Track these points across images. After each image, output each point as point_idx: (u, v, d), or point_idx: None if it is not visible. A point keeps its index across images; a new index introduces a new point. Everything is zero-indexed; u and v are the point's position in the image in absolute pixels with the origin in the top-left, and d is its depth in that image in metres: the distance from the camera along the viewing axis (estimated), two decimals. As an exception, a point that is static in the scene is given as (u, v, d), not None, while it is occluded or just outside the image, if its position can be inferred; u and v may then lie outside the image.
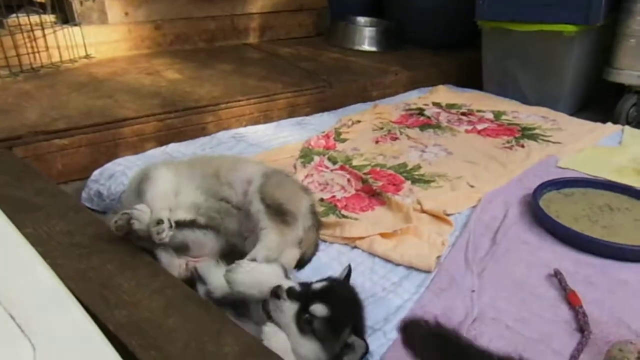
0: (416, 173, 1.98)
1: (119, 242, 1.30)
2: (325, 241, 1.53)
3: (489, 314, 1.26)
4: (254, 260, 1.24)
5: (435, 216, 1.67)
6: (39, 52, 2.40)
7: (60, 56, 2.50)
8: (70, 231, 1.30)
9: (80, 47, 2.56)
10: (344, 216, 1.66)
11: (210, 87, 2.41)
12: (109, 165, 1.85)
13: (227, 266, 1.15)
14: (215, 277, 1.19)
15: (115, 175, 1.81)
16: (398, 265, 1.45)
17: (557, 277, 1.38)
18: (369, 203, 1.76)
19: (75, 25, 2.53)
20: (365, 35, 3.40)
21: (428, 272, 1.42)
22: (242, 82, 2.51)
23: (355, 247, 1.51)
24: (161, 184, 1.44)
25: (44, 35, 2.40)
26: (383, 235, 1.54)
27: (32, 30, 2.34)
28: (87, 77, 2.39)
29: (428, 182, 1.92)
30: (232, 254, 1.25)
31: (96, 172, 1.83)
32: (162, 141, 2.09)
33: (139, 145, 2.04)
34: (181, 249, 1.29)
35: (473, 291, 1.34)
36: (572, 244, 1.54)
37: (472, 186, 1.90)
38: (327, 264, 1.44)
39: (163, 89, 2.33)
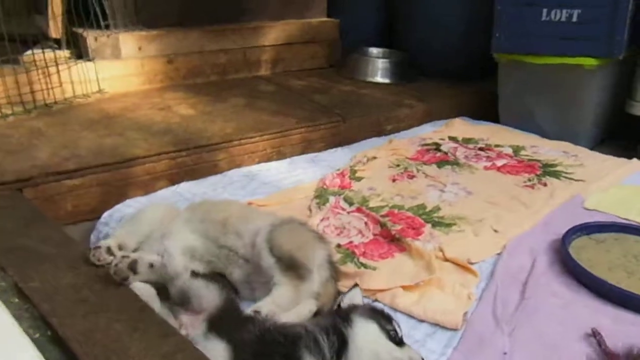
0: (436, 215, 1.91)
1: (128, 298, 1.24)
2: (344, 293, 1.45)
3: (524, 381, 1.17)
4: (257, 312, 1.18)
5: (458, 265, 1.59)
6: (52, 88, 2.37)
7: (74, 91, 2.48)
8: (77, 285, 1.24)
9: (94, 82, 2.54)
10: (362, 264, 1.59)
11: (223, 122, 2.36)
12: (118, 207, 1.80)
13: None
14: None
15: (124, 217, 1.74)
16: (422, 321, 1.36)
17: (597, 338, 1.29)
18: (388, 249, 1.68)
19: (89, 60, 2.51)
20: (378, 67, 3.36)
21: (455, 330, 1.33)
22: (254, 117, 2.46)
23: (375, 300, 1.43)
24: (137, 219, 1.47)
25: (58, 72, 2.38)
26: (405, 287, 1.45)
27: (47, 67, 2.32)
28: (99, 114, 2.35)
29: (449, 225, 1.84)
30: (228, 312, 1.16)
31: (105, 215, 1.77)
32: (174, 179, 2.04)
33: (150, 184, 1.99)
34: (180, 301, 1.21)
35: (505, 354, 1.25)
36: (609, 299, 1.44)
37: (495, 231, 1.81)
38: (347, 319, 1.35)
39: (175, 125, 2.28)
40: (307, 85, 3.08)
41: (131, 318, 1.16)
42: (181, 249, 1.39)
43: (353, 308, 1.22)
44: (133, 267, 1.26)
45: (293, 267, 1.32)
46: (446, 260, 1.62)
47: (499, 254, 1.66)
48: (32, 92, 2.31)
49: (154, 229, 1.46)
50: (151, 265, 1.29)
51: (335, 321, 1.15)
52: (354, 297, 1.29)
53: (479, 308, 1.41)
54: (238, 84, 3.02)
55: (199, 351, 1.08)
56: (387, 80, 3.34)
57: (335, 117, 2.59)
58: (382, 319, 1.19)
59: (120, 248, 1.38)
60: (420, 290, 1.46)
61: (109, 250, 1.33)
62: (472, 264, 1.60)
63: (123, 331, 1.11)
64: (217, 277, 1.28)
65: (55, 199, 1.78)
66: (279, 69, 3.33)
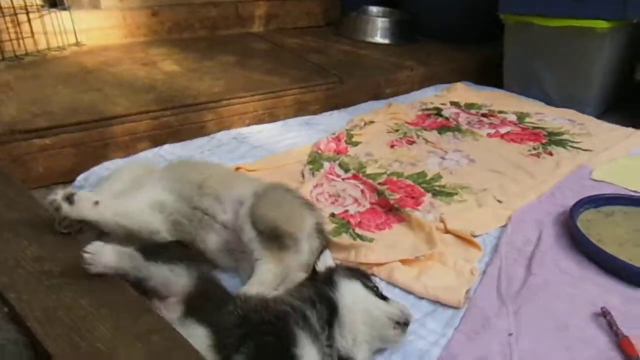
0: (437, 184, 1.79)
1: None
2: (337, 266, 1.34)
3: (531, 365, 1.08)
4: (245, 297, 1.06)
5: (461, 238, 1.48)
6: (23, 38, 2.19)
7: (48, 43, 2.30)
8: (41, 257, 1.11)
9: (70, 34, 2.35)
10: (358, 235, 1.47)
11: (211, 81, 2.20)
12: (95, 169, 1.65)
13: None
14: None
15: (101, 181, 1.61)
16: (421, 298, 1.26)
17: (607, 319, 1.19)
18: (385, 220, 1.57)
19: (64, 9, 2.31)
20: (378, 27, 3.18)
21: (456, 308, 1.23)
22: (245, 76, 2.31)
23: (372, 274, 1.32)
24: (111, 178, 1.37)
25: (29, 20, 2.19)
26: (404, 261, 1.34)
27: (16, 14, 2.13)
28: (76, 67, 2.18)
29: (450, 195, 1.72)
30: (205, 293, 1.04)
31: (80, 177, 1.63)
32: (157, 141, 1.89)
33: (131, 145, 1.85)
34: (147, 289, 1.06)
35: (510, 334, 1.15)
36: (620, 276, 1.34)
37: (499, 201, 1.70)
38: (340, 295, 1.24)
39: (159, 82, 2.12)
40: (303, 44, 2.91)
41: (100, 292, 1.04)
42: (149, 202, 1.25)
43: (331, 271, 1.14)
44: (70, 199, 1.11)
45: (276, 239, 1.20)
46: (447, 232, 1.51)
47: (503, 227, 1.56)
48: (0, 41, 2.12)
49: (128, 187, 1.33)
50: (96, 203, 1.14)
51: (318, 288, 1.07)
52: (327, 260, 1.20)
53: (482, 285, 1.31)
54: (229, 40, 2.84)
55: (176, 332, 0.97)
56: (387, 41, 3.17)
57: (332, 78, 2.44)
58: (362, 276, 1.14)
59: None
60: (420, 265, 1.35)
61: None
62: (475, 236, 1.50)
63: (90, 308, 0.99)
64: (182, 253, 1.14)
65: (25, 159, 1.64)
66: (272, 25, 3.14)
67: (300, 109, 2.30)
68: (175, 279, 1.03)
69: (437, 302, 1.24)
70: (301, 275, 1.22)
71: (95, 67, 2.20)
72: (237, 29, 3.00)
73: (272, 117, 2.21)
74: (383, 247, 1.39)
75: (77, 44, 2.39)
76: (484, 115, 2.40)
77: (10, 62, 2.15)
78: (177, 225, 1.26)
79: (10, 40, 2.17)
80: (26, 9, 2.16)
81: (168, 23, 2.73)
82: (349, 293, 1.07)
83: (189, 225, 1.27)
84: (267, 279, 1.16)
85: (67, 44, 2.35)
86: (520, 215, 1.61)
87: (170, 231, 1.25)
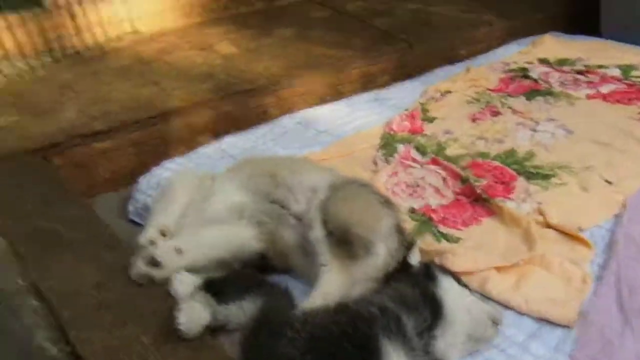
0: (530, 164, 1.56)
1: (158, 294, 1.04)
2: (421, 276, 1.18)
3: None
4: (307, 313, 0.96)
5: (565, 234, 1.27)
6: (80, 32, 2.14)
7: (106, 34, 2.24)
8: (100, 283, 1.05)
9: (126, 22, 2.28)
10: (442, 235, 1.30)
11: (270, 60, 2.06)
12: (155, 170, 1.58)
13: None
14: None
15: (162, 183, 1.53)
16: (522, 314, 1.08)
17: None
18: (473, 213, 1.38)
19: (117, -4, 2.24)
20: (449, -23, 2.86)
21: (568, 327, 1.04)
22: (305, 51, 2.15)
23: (462, 284, 1.15)
24: (168, 197, 1.29)
25: (84, 12, 2.12)
26: (499, 268, 1.16)
27: (70, 5, 2.07)
28: (133, 59, 2.12)
29: (547, 177, 1.49)
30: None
31: (142, 180, 1.57)
32: (217, 132, 1.80)
33: (191, 139, 1.77)
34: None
35: (640, 363, 0.95)
36: None
37: (609, 182, 1.45)
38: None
39: (217, 68, 2.01)
40: (366, 7, 2.68)
41: (161, 326, 0.96)
42: (227, 208, 1.22)
43: (428, 265, 1.06)
44: (155, 262, 1.07)
45: (346, 244, 1.08)
46: (549, 226, 1.30)
47: (616, 216, 1.33)
48: (59, 38, 2.08)
49: (189, 203, 1.24)
50: (179, 251, 1.09)
51: (421, 285, 0.96)
52: (417, 255, 1.11)
53: (598, 295, 1.10)
54: (286, 10, 2.67)
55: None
56: (459, -6, 2.84)
57: (400, 44, 2.24)
58: (448, 271, 1.06)
59: (164, 234, 1.17)
60: (518, 272, 1.16)
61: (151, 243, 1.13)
62: (581, 231, 1.28)
63: (151, 346, 0.91)
64: (246, 282, 1.03)
65: (87, 164, 1.60)
66: (332, -13, 2.91)
67: (368, 83, 2.11)
68: (246, 316, 0.93)
69: (542, 320, 1.06)
70: (371, 287, 1.08)
71: (152, 56, 2.13)
72: (295, -5, 2.80)
73: (337, 95, 2.04)
74: (471, 251, 1.22)
75: (134, 32, 2.32)
76: (579, 72, 2.09)
77: (72, 59, 2.11)
78: (261, 226, 1.20)
79: (69, 35, 2.12)
80: (80, 1, 2.10)
81: (223, -1, 2.59)
82: (451, 290, 0.98)
83: (271, 222, 1.20)
84: (331, 290, 1.03)
85: (124, 33, 2.29)
86: (637, 199, 1.36)
87: (257, 237, 1.19)
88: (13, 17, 1.99)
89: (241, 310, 0.94)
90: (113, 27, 2.27)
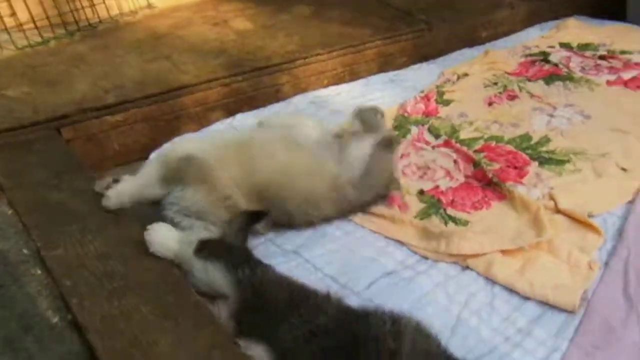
0: (544, 149, 1.53)
1: (161, 267, 1.05)
2: (426, 258, 1.17)
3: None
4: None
5: (575, 220, 1.24)
6: (95, 5, 2.14)
7: (120, 7, 2.24)
8: (105, 254, 1.06)
9: (141, -5, 2.28)
10: (450, 217, 1.28)
11: (285, 38, 2.04)
12: (166, 146, 1.59)
13: None
14: None
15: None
16: (526, 299, 1.06)
17: None
18: (483, 197, 1.36)
19: (132, -31, 2.24)
20: (471, -43, 2.78)
21: (571, 312, 1.02)
22: (322, 30, 2.11)
23: (467, 267, 1.14)
24: None
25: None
26: (505, 252, 1.14)
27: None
28: (146, 33, 2.11)
29: (561, 162, 1.46)
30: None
31: (153, 155, 1.57)
32: (230, 110, 1.79)
33: (203, 116, 1.76)
34: None
35: (643, 351, 0.94)
36: None
37: (624, 169, 1.42)
38: (430, 292, 1.08)
39: (230, 44, 2.00)
40: (386, -14, 2.62)
41: (163, 298, 0.97)
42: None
43: None
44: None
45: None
46: (558, 212, 1.27)
47: (630, 203, 1.30)
48: (74, 10, 2.09)
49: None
50: None
51: None
52: None
53: (604, 282, 1.08)
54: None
55: (237, 348, 0.88)
56: (481, -26, 2.77)
57: (419, 24, 2.19)
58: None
59: None
60: (524, 256, 1.15)
61: None
62: (592, 217, 1.25)
63: (152, 317, 0.92)
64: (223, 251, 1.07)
65: (99, 137, 1.60)
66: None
67: (385, 64, 2.08)
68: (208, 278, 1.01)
69: (546, 304, 1.04)
70: None
71: (165, 31, 2.12)
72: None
73: (353, 75, 2.02)
74: (479, 234, 1.20)
75: (148, 5, 2.32)
76: (601, 57, 2.03)
77: (85, 31, 2.12)
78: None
79: (83, 8, 2.13)
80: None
81: (243, -28, 2.55)
82: None
83: None
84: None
85: (139, 7, 2.28)
86: (652, 187, 1.32)
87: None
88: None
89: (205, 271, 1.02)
90: (127, 1, 2.27)
